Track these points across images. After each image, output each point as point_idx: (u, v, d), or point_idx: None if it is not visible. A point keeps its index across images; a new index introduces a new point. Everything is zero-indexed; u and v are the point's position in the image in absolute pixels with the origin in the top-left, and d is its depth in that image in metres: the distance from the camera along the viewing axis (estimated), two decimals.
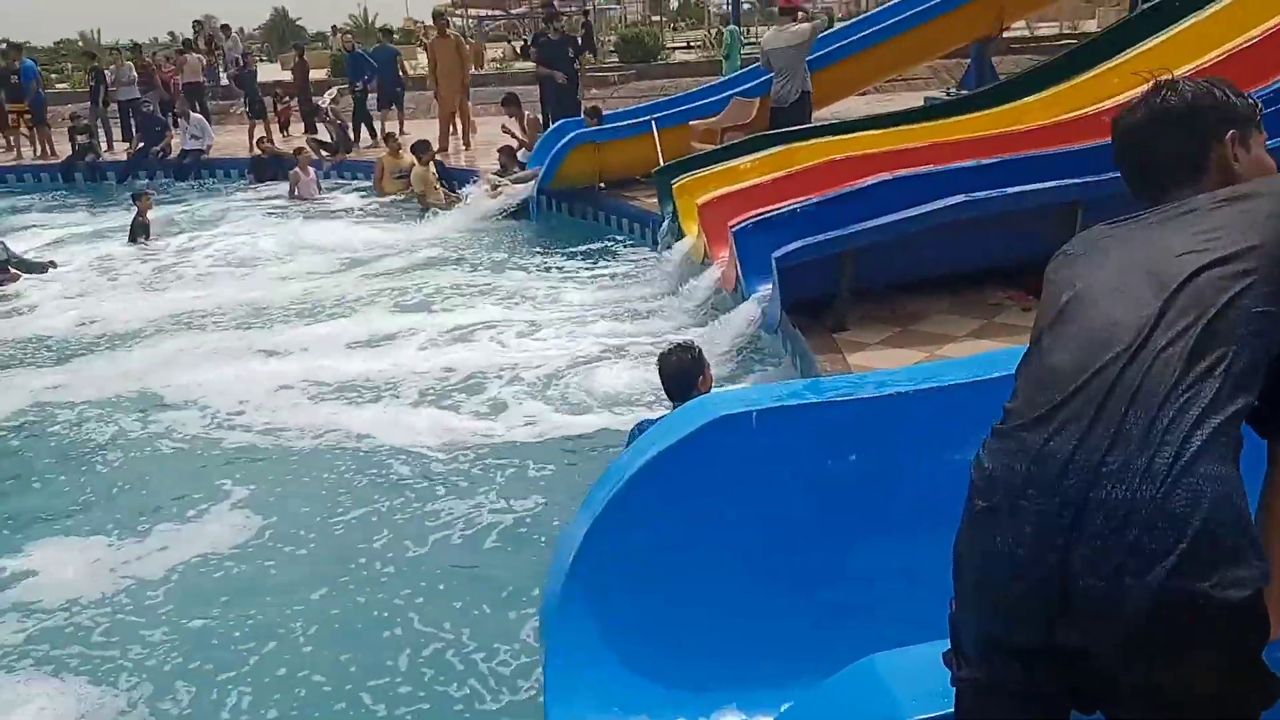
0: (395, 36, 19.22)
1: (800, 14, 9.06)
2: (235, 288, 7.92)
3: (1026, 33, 19.76)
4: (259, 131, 14.51)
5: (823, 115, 9.67)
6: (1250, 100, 1.50)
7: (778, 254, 4.83)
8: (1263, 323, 1.26)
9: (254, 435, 4.96)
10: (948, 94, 13.57)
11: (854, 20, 12.99)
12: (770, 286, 5.25)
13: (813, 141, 7.21)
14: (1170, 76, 1.52)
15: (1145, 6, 7.81)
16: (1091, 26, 27.78)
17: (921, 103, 12.72)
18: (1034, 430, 1.29)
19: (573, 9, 21.05)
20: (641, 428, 3.36)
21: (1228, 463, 1.19)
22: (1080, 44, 7.82)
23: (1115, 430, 1.22)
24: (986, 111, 7.36)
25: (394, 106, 14.07)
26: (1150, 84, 1.55)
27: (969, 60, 13.76)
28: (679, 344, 3.52)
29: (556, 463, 4.56)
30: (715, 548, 2.26)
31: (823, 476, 2.25)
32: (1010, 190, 4.96)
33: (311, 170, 12.06)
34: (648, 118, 9.33)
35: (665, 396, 3.50)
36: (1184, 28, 6.83)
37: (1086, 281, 1.40)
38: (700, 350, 3.49)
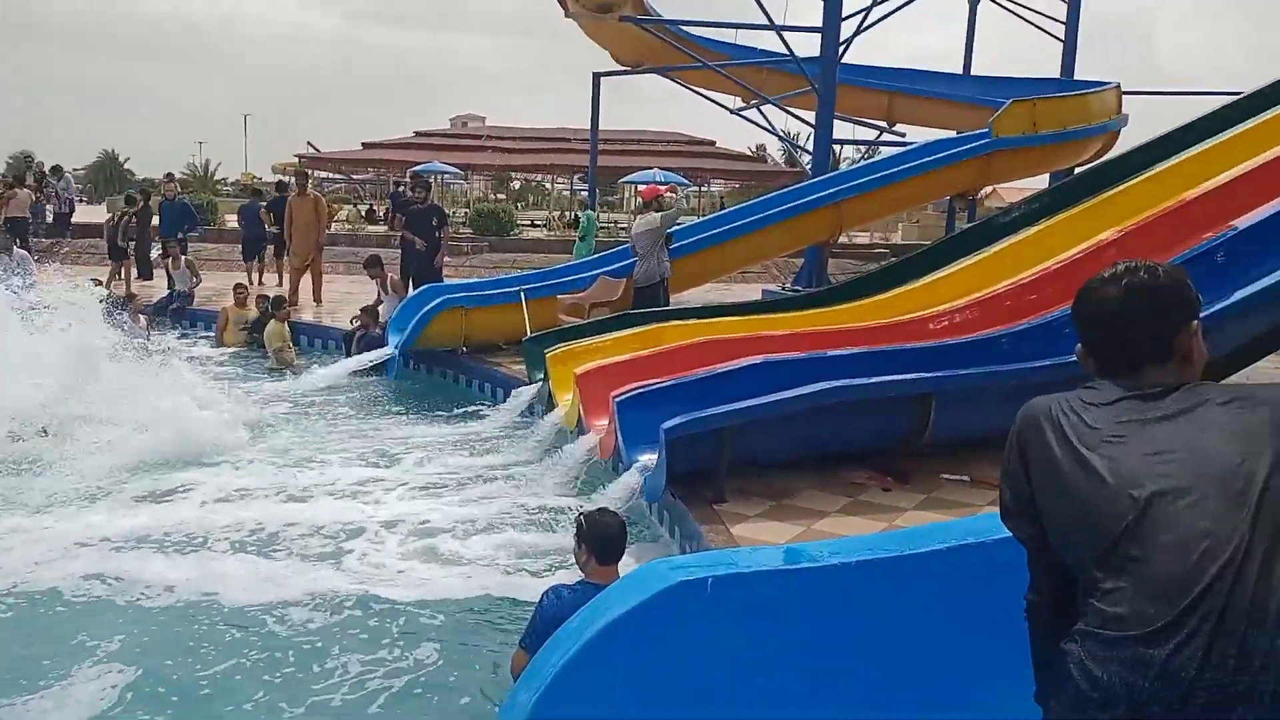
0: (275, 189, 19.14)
1: (656, 204, 9.73)
2: None
3: (845, 239, 21.75)
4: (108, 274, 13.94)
5: (679, 299, 10.31)
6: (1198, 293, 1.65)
7: (667, 426, 5.01)
8: None
9: (111, 590, 4.55)
10: (783, 289, 14.74)
11: (713, 215, 14.02)
12: (650, 457, 5.41)
13: (679, 323, 7.66)
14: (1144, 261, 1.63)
15: (965, 228, 8.92)
16: (897, 238, 31.08)
17: (759, 295, 13.82)
18: (1152, 644, 1.32)
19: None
20: (558, 594, 3.35)
21: None
22: (909, 256, 8.73)
23: (1238, 650, 1.28)
24: (834, 307, 8.05)
25: (257, 259, 14.02)
26: (1126, 263, 1.65)
27: (803, 260, 15.08)
28: (605, 508, 3.59)
29: (430, 624, 4.40)
30: (672, 712, 2.28)
31: (778, 643, 2.34)
32: (879, 379, 5.40)
33: (142, 318, 11.53)
34: (517, 288, 9.60)
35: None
36: (1001, 248, 7.83)
37: (1154, 483, 1.43)
38: None
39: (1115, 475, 1.46)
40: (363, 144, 35.67)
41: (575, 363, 7.02)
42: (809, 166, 15.08)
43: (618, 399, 5.79)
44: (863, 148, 19.43)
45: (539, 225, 30.77)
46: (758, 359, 6.08)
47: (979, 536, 2.44)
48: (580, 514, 3.63)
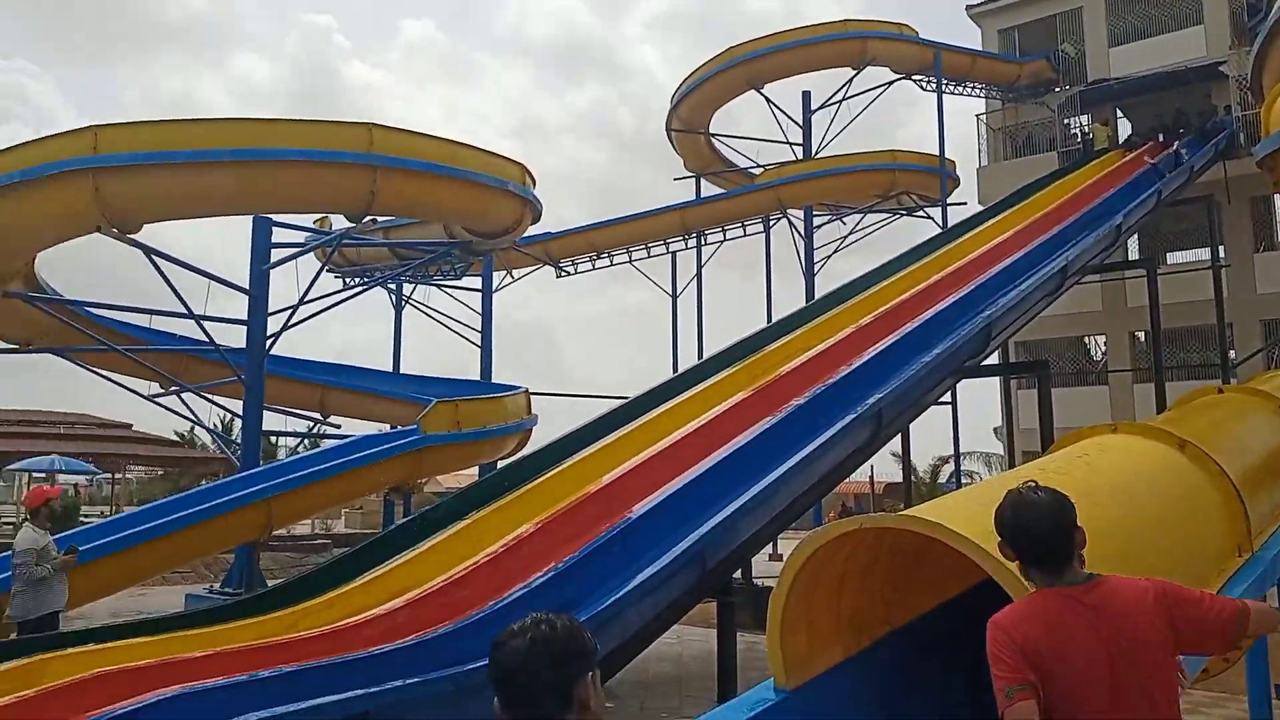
0: None
1: (47, 510, 8.17)
2: None
3: (284, 531, 20.72)
4: None
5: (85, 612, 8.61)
6: None
7: None
8: None
9: None
10: (210, 591, 13.33)
11: (121, 515, 12.34)
12: None
13: (70, 651, 6.37)
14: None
15: (400, 522, 8.97)
16: (340, 526, 30.49)
17: (183, 600, 12.30)
18: None
19: None
20: None
21: None
22: (343, 555, 8.46)
23: None
24: (266, 616, 7.38)
25: None
26: (534, 614, 1.78)
27: (233, 557, 13.91)
28: None
29: None
30: None
31: None
32: (307, 704, 4.95)
33: None
34: None
35: None
36: (435, 541, 7.99)
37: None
38: None
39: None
40: None
41: None
42: (238, 458, 14.28)
43: None
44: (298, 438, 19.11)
45: None
46: (171, 691, 5.25)
47: None
48: None
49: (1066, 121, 23.09)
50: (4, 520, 27.36)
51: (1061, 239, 13.04)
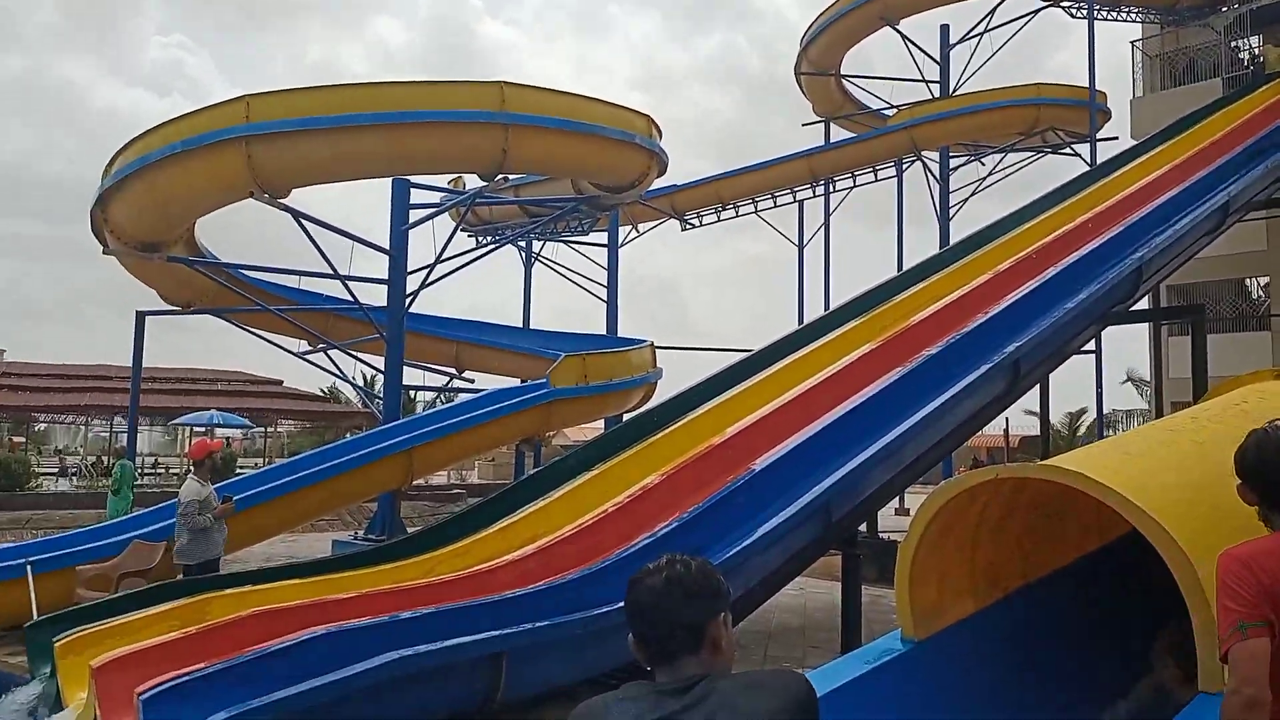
0: None
1: (209, 463, 8.74)
2: None
3: (422, 481, 21.66)
4: None
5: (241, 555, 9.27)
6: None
7: None
8: None
9: None
10: (356, 538, 14.07)
11: (273, 466, 13.14)
12: None
13: (229, 592, 6.83)
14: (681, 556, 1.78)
15: (533, 472, 9.20)
16: (474, 478, 31.62)
17: (330, 546, 13.04)
18: None
19: None
20: None
21: None
22: (479, 503, 8.76)
23: None
24: (406, 561, 7.73)
25: None
26: (669, 555, 1.80)
27: (375, 506, 14.62)
28: None
29: None
30: None
31: None
32: (448, 643, 5.17)
33: None
34: (21, 560, 8.01)
35: None
36: (565, 491, 8.17)
37: None
38: None
39: None
40: None
41: (93, 651, 5.89)
42: (380, 411, 14.93)
43: (144, 696, 4.89)
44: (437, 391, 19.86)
45: (70, 474, 26.84)
46: (319, 630, 5.56)
47: None
48: None
49: (1234, 44, 21.19)
50: (170, 471, 29.57)
51: (1223, 173, 12.06)
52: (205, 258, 14.74)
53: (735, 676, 1.70)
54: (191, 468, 8.92)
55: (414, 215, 14.46)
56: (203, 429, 29.46)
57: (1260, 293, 22.35)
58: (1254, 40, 21.02)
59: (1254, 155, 12.64)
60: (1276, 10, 20.29)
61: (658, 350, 15.97)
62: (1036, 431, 15.81)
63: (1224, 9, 21.45)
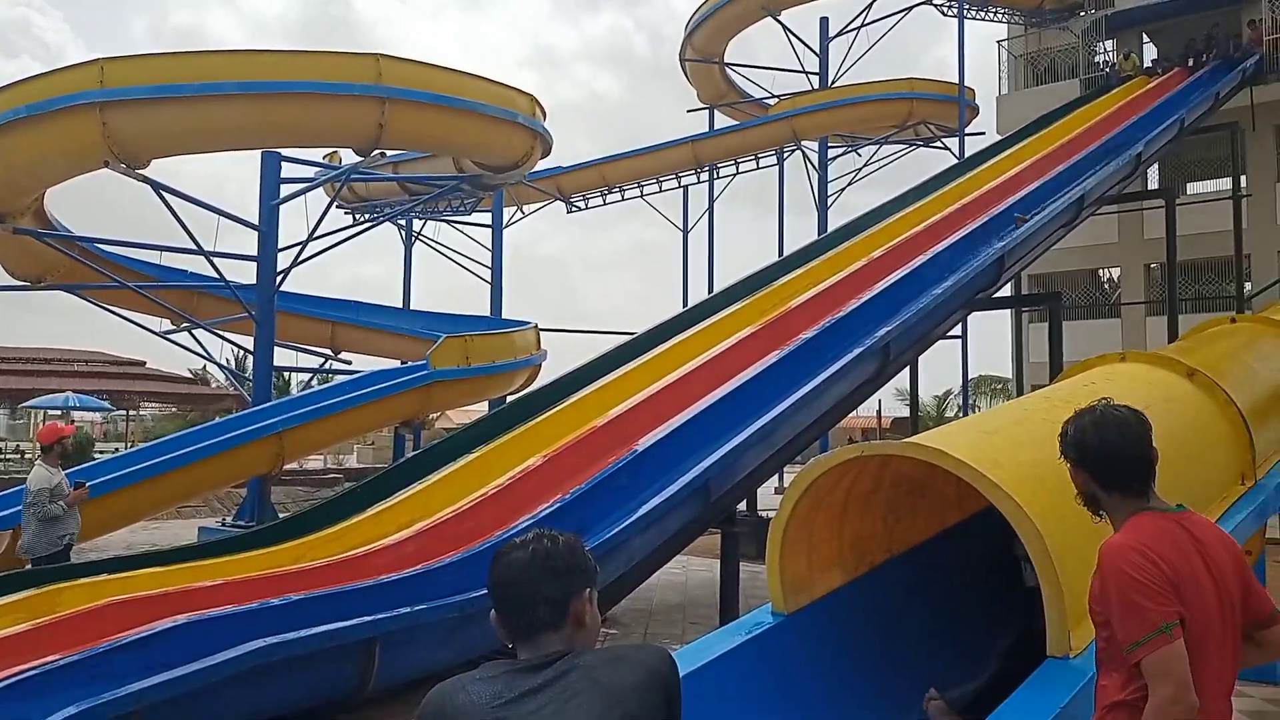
0: None
1: (59, 447, 8.13)
2: None
3: (296, 466, 20.98)
4: None
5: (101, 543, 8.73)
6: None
7: None
8: None
9: None
10: (223, 524, 13.52)
11: (133, 450, 12.48)
12: None
13: (82, 582, 6.45)
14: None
15: (412, 455, 9.03)
16: (352, 461, 30.81)
17: (196, 533, 12.49)
18: None
19: None
20: None
21: None
22: (353, 488, 8.52)
23: None
24: (275, 547, 7.46)
25: None
26: (535, 530, 1.77)
27: (245, 491, 14.07)
28: None
29: None
30: None
31: None
32: (311, 631, 5.02)
33: None
34: None
35: None
36: (444, 474, 8.04)
37: None
38: None
39: None
40: None
41: None
42: (250, 394, 14.34)
43: None
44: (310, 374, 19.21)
45: None
46: (180, 619, 5.33)
47: None
48: None
49: (1091, 48, 22.44)
50: (23, 457, 27.78)
51: (1079, 169, 12.76)
52: (56, 230, 13.82)
53: (597, 651, 1.69)
54: (40, 453, 8.37)
55: (286, 190, 13.90)
56: (57, 412, 27.72)
57: (1111, 282, 23.85)
58: (1109, 44, 22.29)
59: (1109, 152, 13.41)
60: (1129, 17, 21.58)
61: (543, 333, 15.86)
62: (907, 413, 16.44)
63: (1082, 13, 22.66)
